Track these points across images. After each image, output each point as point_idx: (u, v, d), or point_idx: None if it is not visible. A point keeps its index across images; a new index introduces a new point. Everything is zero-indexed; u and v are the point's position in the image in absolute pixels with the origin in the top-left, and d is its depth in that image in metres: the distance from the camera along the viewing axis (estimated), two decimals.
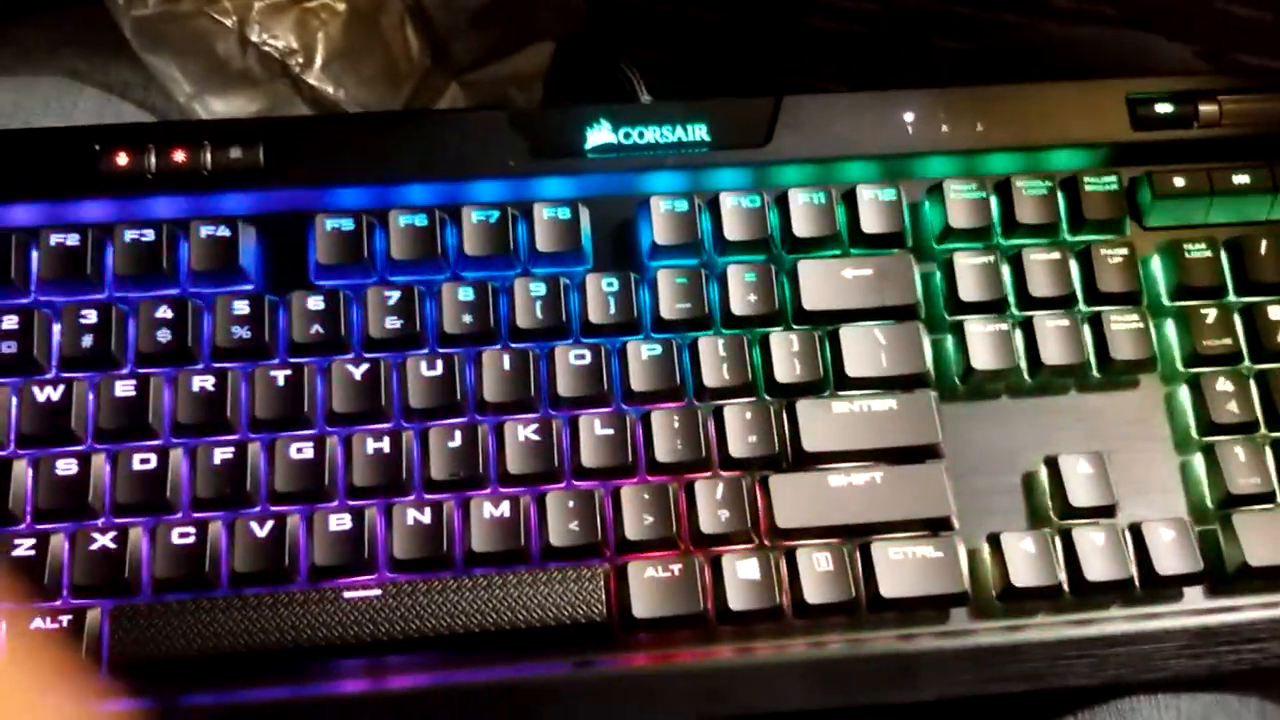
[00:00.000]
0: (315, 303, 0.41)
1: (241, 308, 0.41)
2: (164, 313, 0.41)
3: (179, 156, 0.42)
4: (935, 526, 0.40)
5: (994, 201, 0.44)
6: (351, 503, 0.40)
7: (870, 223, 0.43)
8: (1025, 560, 0.40)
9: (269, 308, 0.41)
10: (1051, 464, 0.41)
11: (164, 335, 0.40)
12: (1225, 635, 0.41)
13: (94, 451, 0.40)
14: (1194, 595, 0.41)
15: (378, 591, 0.38)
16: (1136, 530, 0.41)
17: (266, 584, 0.39)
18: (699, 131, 0.44)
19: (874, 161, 0.44)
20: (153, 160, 0.42)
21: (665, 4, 0.54)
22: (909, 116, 0.44)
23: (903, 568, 0.40)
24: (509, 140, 0.44)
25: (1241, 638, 0.40)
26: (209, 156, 0.42)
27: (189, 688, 0.38)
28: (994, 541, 0.40)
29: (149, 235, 0.41)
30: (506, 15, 0.48)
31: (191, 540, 0.39)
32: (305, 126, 0.44)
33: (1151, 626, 0.40)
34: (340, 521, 0.39)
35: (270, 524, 0.39)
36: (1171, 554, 0.40)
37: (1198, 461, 0.42)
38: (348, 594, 0.38)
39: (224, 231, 0.41)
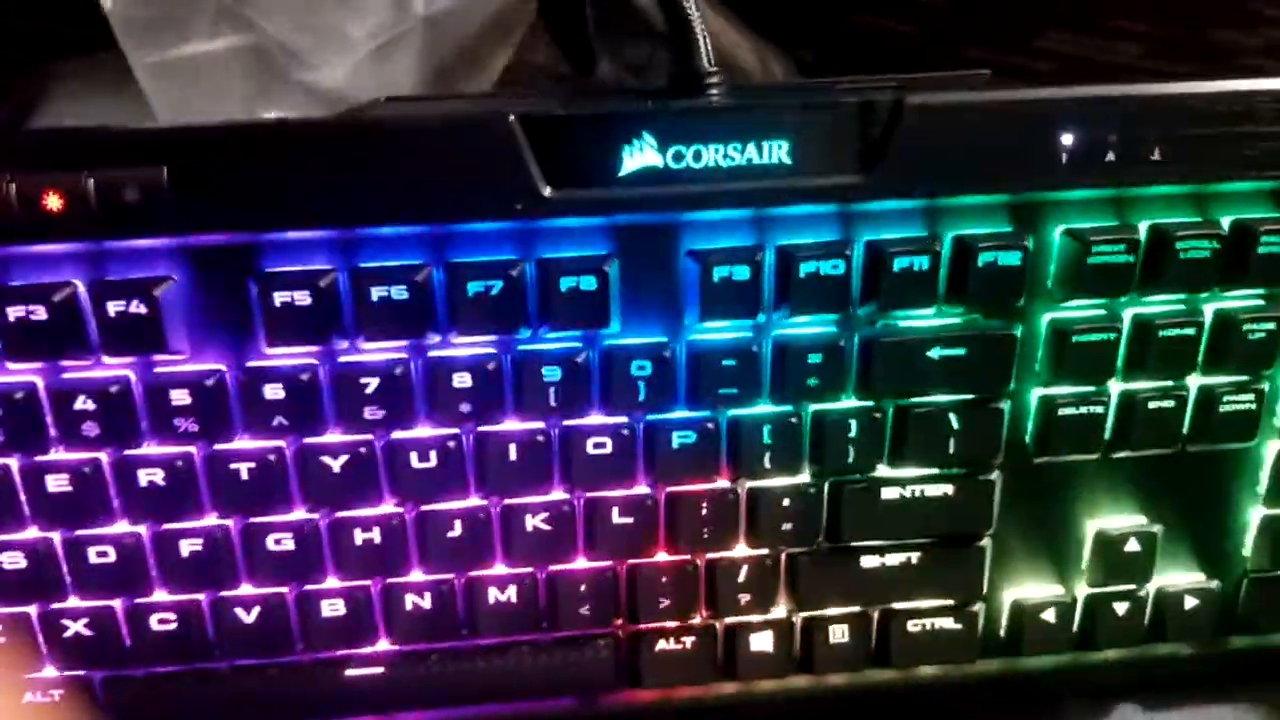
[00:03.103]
0: (274, 391, 0.35)
1: (181, 398, 0.34)
2: (84, 404, 0.34)
3: (52, 201, 0.32)
4: (962, 605, 0.41)
5: (1139, 260, 0.36)
6: (344, 580, 0.38)
7: (980, 289, 0.36)
8: (1041, 630, 0.41)
9: (216, 396, 0.35)
10: (1099, 537, 0.41)
11: (90, 429, 0.35)
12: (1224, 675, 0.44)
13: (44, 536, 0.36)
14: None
15: (380, 669, 0.39)
16: (1160, 598, 0.42)
17: (262, 656, 0.39)
18: (779, 151, 0.34)
19: (1003, 204, 0.35)
20: (13, 195, 0.32)
21: None
22: (1067, 140, 0.34)
23: (919, 639, 0.41)
24: (518, 163, 0.33)
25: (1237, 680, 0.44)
26: (91, 190, 0.32)
27: None
28: (1015, 610, 0.41)
29: (40, 314, 0.33)
30: None
31: (173, 625, 0.38)
32: (233, 136, 0.32)
33: (1152, 673, 0.44)
34: (334, 607, 0.38)
35: (257, 609, 0.38)
36: (1184, 624, 0.42)
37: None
38: (349, 670, 0.39)
39: (140, 308, 0.33)
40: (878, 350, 0.36)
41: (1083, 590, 0.42)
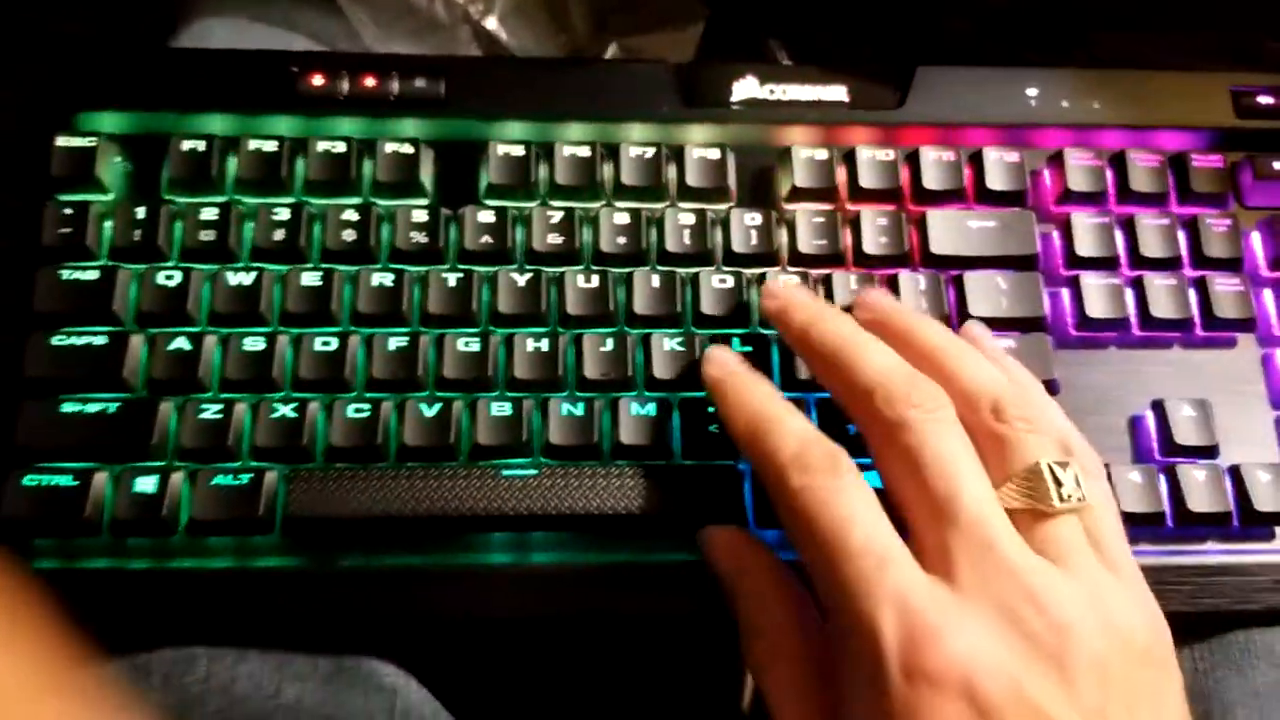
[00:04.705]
0: (485, 216, 0.48)
1: (420, 216, 0.48)
2: (349, 216, 0.48)
3: (369, 82, 0.50)
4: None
5: (1108, 172, 0.51)
6: (511, 394, 0.46)
7: (995, 181, 0.50)
8: (1133, 489, 0.46)
9: (444, 218, 0.48)
10: (1158, 406, 0.47)
11: (349, 235, 0.47)
12: None
13: (279, 333, 0.46)
14: None
15: (534, 471, 0.45)
16: (1235, 471, 0.47)
17: (430, 459, 0.45)
18: (838, 92, 0.51)
19: (997, 129, 0.51)
20: (345, 84, 0.50)
21: None
22: (1032, 91, 0.52)
23: None
24: (663, 89, 0.51)
25: None
26: (396, 85, 0.50)
27: (349, 549, 0.44)
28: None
29: (340, 147, 0.49)
30: None
31: (365, 415, 0.45)
32: (483, 64, 0.52)
33: (1246, 560, 0.46)
34: (501, 408, 0.45)
35: (438, 406, 0.45)
36: (1269, 493, 0.46)
37: None
38: (505, 471, 0.45)
39: (407, 149, 0.49)
40: (931, 219, 0.49)
41: (1160, 460, 0.47)
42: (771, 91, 0.51)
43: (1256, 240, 0.51)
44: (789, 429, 0.40)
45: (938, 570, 0.36)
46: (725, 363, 0.44)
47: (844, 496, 0.37)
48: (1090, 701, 0.33)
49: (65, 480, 0.44)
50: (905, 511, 0.38)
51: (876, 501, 0.38)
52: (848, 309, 0.45)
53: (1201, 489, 0.46)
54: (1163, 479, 0.47)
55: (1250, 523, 0.46)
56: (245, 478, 0.44)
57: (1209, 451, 0.47)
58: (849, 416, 0.41)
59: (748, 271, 0.48)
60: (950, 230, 0.49)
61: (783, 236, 0.49)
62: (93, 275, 0.46)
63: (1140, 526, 0.46)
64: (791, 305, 0.44)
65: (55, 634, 0.36)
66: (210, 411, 0.45)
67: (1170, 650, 0.37)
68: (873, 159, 0.50)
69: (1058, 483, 0.37)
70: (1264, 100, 0.52)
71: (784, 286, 0.45)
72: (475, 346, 0.46)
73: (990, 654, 0.34)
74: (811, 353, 0.43)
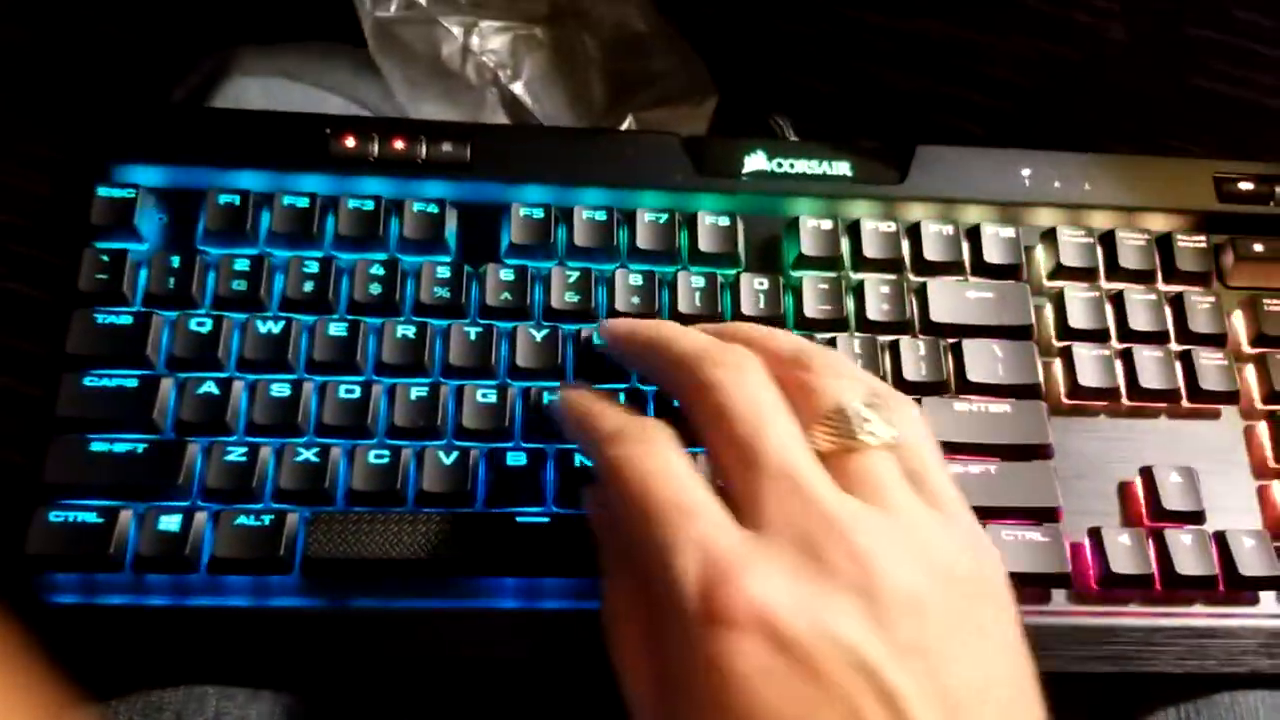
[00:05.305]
0: (506, 274, 0.50)
1: (443, 272, 0.50)
2: (376, 270, 0.50)
3: (398, 145, 0.52)
4: (1042, 517, 0.48)
5: (1098, 250, 0.53)
6: (526, 444, 0.48)
7: (992, 254, 0.52)
8: (1123, 551, 0.48)
9: (466, 275, 0.50)
10: (1146, 473, 0.49)
11: (375, 288, 0.49)
12: None
13: (305, 380, 0.48)
14: (1270, 600, 0.48)
15: (546, 519, 0.46)
16: (1220, 537, 0.48)
17: (447, 505, 0.46)
18: (842, 167, 0.54)
19: (993, 206, 0.54)
20: (375, 146, 0.52)
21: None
22: (1026, 172, 0.54)
23: (1012, 547, 0.47)
24: (678, 160, 0.54)
25: None
26: (424, 148, 0.52)
27: (365, 591, 0.46)
28: (1095, 535, 0.48)
29: (369, 205, 0.51)
30: (677, 71, 0.59)
31: (386, 461, 0.47)
32: (507, 131, 0.55)
33: (1232, 624, 0.48)
34: (516, 458, 0.47)
35: (456, 454, 0.47)
36: (1252, 558, 0.48)
37: (1275, 488, 0.50)
38: (519, 518, 0.46)
39: (433, 209, 0.51)
40: (931, 288, 0.52)
41: (1148, 524, 0.49)
42: (780, 165, 0.54)
43: (1238, 318, 0.53)
44: (608, 414, 0.41)
45: (747, 517, 0.35)
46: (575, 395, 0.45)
47: (653, 460, 0.38)
48: (905, 635, 0.32)
49: (90, 517, 0.45)
50: (719, 466, 0.38)
51: (687, 462, 0.38)
52: None
53: (1188, 553, 0.48)
54: (1151, 543, 0.48)
55: (1235, 587, 0.48)
56: (267, 519, 0.46)
57: (1195, 517, 0.49)
58: (671, 396, 0.43)
59: None
60: (949, 299, 0.52)
61: (789, 301, 0.52)
62: (126, 320, 0.48)
63: (1130, 588, 0.48)
64: (611, 325, 0.46)
65: (50, 680, 0.37)
66: (235, 454, 0.46)
67: (1001, 584, 0.36)
68: (876, 230, 0.53)
69: (865, 420, 0.38)
70: (1245, 186, 0.55)
71: (607, 321, 0.47)
72: (493, 398, 0.48)
73: (789, 590, 0.33)
74: (635, 352, 0.45)
